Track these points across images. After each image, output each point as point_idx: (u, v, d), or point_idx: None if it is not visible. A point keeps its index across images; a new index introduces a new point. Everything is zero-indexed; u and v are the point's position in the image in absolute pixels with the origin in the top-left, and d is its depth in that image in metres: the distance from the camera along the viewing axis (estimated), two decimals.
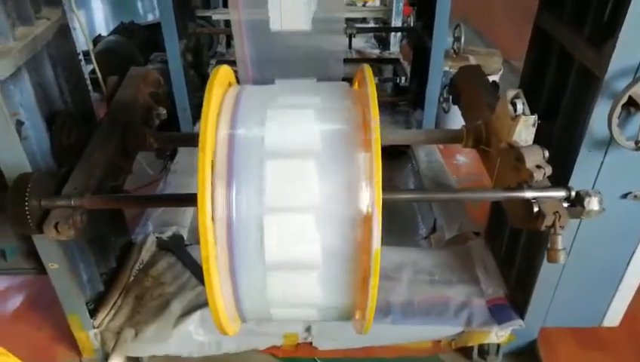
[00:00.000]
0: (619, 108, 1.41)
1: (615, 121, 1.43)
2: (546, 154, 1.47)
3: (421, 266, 2.23)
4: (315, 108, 1.19)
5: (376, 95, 1.17)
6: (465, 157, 3.44)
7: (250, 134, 1.17)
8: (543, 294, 1.92)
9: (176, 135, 2.42)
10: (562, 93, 1.71)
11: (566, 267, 1.84)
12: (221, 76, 1.27)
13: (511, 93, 1.59)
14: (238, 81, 1.50)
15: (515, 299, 2.06)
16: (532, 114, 1.53)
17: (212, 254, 1.09)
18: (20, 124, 1.59)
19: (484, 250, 2.31)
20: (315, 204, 1.12)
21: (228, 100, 1.24)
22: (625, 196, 1.66)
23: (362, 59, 4.10)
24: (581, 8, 1.59)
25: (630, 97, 1.40)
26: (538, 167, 1.45)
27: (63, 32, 1.82)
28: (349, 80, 1.49)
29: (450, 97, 2.19)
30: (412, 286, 2.13)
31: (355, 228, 1.12)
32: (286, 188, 1.13)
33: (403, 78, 3.49)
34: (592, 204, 1.42)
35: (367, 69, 1.26)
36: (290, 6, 1.31)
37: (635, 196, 1.66)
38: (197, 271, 2.20)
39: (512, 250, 2.11)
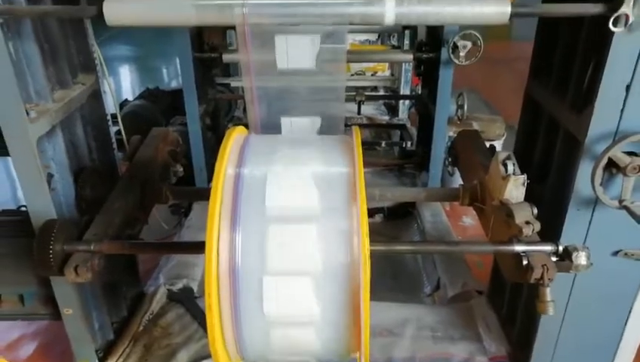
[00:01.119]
0: (600, 170, 1.52)
1: (598, 181, 1.53)
2: (535, 211, 1.55)
3: (424, 323, 2.26)
4: (314, 172, 1.31)
5: (362, 155, 1.28)
6: (471, 219, 3.51)
7: (254, 194, 1.28)
8: (543, 353, 1.94)
9: (190, 189, 2.57)
10: (551, 156, 1.82)
11: (564, 326, 1.87)
12: (235, 135, 1.42)
13: (502, 155, 1.70)
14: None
15: (517, 358, 2.07)
16: (522, 174, 1.64)
17: (215, 303, 1.19)
18: (50, 176, 1.75)
19: (487, 307, 2.34)
20: (312, 268, 1.21)
21: (236, 154, 1.38)
22: (616, 253, 1.72)
23: (371, 124, 4.30)
24: (564, 77, 1.74)
25: (610, 159, 1.51)
26: (527, 223, 1.53)
27: (95, 96, 2.02)
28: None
29: (450, 159, 2.31)
30: (415, 342, 2.16)
31: (350, 282, 1.20)
32: (285, 250, 1.22)
33: (409, 143, 3.66)
34: (580, 258, 1.49)
35: (356, 131, 1.39)
36: (295, 45, 1.48)
37: (626, 254, 1.72)
38: (204, 322, 2.25)
39: (514, 308, 2.14)
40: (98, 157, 2.13)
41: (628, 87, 1.45)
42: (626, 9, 1.32)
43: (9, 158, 1.65)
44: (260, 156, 1.37)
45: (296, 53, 1.51)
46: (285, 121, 1.65)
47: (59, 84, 1.83)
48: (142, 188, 1.91)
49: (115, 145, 2.34)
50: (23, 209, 1.87)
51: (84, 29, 1.94)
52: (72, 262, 1.49)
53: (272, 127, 1.67)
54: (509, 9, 1.40)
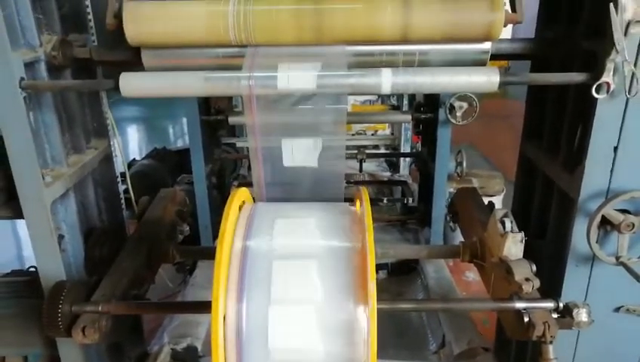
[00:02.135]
0: (595, 227, 1.57)
1: (594, 238, 1.58)
2: (534, 268, 1.59)
3: None
4: (318, 243, 1.36)
5: (370, 212, 1.34)
6: (474, 274, 3.51)
7: (261, 253, 1.33)
8: None
9: (196, 248, 2.61)
10: (548, 213, 1.87)
11: None
12: (239, 197, 1.48)
13: (500, 213, 1.76)
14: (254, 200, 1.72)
15: None
16: (520, 231, 1.69)
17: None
18: (61, 237, 1.81)
19: None
20: (317, 343, 1.24)
21: (243, 218, 1.44)
22: (617, 310, 1.73)
23: (373, 181, 4.38)
24: (555, 139, 1.82)
25: (604, 217, 1.56)
26: (527, 279, 1.56)
27: (107, 159, 2.11)
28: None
29: (450, 216, 2.36)
30: None
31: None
32: (290, 328, 1.26)
33: (411, 199, 3.73)
34: (581, 315, 1.51)
35: (364, 191, 1.45)
36: (300, 147, 1.57)
37: (628, 310, 1.74)
38: None
39: None
40: (107, 217, 2.19)
41: (615, 148, 1.52)
42: (606, 78, 1.42)
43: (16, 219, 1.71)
44: (263, 228, 1.42)
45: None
46: (286, 144, 1.70)
47: (73, 149, 1.92)
48: (149, 248, 1.96)
49: (123, 205, 2.41)
50: (32, 269, 1.92)
51: (100, 97, 2.06)
52: (80, 323, 1.52)
53: (276, 184, 1.74)
54: (497, 78, 1.50)
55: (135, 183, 3.38)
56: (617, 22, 1.37)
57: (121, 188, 2.33)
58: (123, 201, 2.47)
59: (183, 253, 2.06)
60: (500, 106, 6.86)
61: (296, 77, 1.47)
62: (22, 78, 1.54)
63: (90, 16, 2.04)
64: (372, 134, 4.70)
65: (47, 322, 1.53)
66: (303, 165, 1.58)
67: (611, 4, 1.36)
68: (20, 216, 1.70)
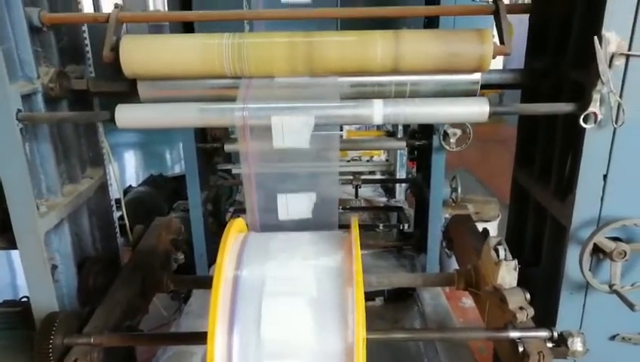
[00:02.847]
0: (587, 255, 1.57)
1: (586, 266, 1.58)
2: (527, 296, 1.59)
3: None
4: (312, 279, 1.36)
5: (359, 249, 1.34)
6: (470, 301, 3.48)
7: (253, 287, 1.32)
8: None
9: (191, 278, 2.59)
10: (541, 241, 1.88)
11: None
12: (234, 228, 1.49)
13: (493, 241, 1.76)
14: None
15: None
16: (513, 259, 1.69)
17: None
18: (54, 268, 1.80)
19: None
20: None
21: (235, 251, 1.44)
22: (613, 338, 1.72)
23: (369, 207, 4.39)
24: (546, 167, 1.84)
25: (596, 245, 1.57)
26: (521, 308, 1.56)
27: (102, 189, 2.12)
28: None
29: (445, 243, 2.37)
30: None
31: None
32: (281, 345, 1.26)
33: (406, 225, 3.72)
34: (576, 344, 1.50)
35: (355, 221, 1.46)
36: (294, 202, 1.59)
37: (623, 338, 1.73)
38: None
39: None
40: (101, 246, 2.18)
41: (605, 177, 1.54)
42: (594, 108, 1.44)
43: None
44: (256, 258, 1.42)
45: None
46: (281, 198, 1.72)
47: (69, 179, 1.93)
48: (143, 277, 1.95)
49: (117, 232, 2.41)
50: (24, 300, 1.90)
51: (96, 126, 2.08)
52: (72, 356, 1.51)
53: (269, 210, 1.74)
54: (487, 108, 1.53)
55: (131, 210, 3.39)
56: (602, 54, 1.40)
57: (117, 214, 2.34)
58: (118, 229, 2.47)
59: (178, 283, 2.05)
60: (494, 131, 6.92)
61: (290, 133, 1.50)
62: (19, 110, 1.56)
63: (88, 48, 2.08)
64: (367, 160, 4.72)
65: (39, 354, 1.51)
66: (298, 218, 1.60)
67: (595, 38, 1.40)
68: (14, 246, 1.70)
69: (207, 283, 2.02)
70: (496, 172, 6.51)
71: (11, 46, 1.59)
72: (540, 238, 1.90)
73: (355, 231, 1.39)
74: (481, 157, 6.85)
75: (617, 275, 1.58)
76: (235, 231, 1.51)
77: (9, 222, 1.66)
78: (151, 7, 12.81)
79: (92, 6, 12.08)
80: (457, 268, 2.23)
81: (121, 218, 3.38)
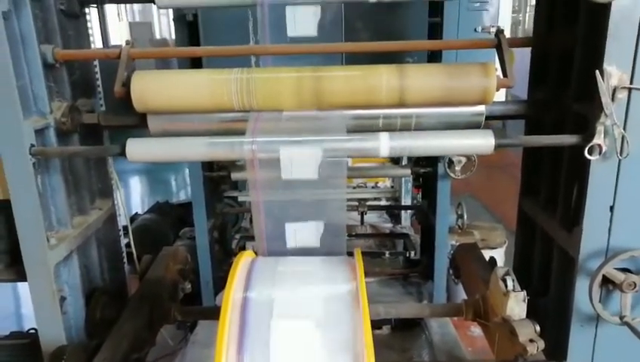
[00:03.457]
0: (597, 287, 1.57)
1: (596, 298, 1.58)
2: (537, 328, 1.58)
3: None
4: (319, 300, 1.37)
5: (364, 285, 1.34)
6: (479, 329, 3.44)
7: (260, 315, 1.33)
8: None
9: (198, 309, 2.59)
10: (549, 271, 1.87)
11: None
12: (242, 264, 1.49)
13: (501, 271, 1.76)
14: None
15: None
16: (522, 290, 1.68)
17: None
18: (62, 299, 1.80)
19: None
20: None
21: (242, 279, 1.45)
22: None
23: (374, 234, 4.39)
24: (552, 196, 1.84)
25: (605, 276, 1.56)
26: (531, 341, 1.55)
27: (111, 219, 2.14)
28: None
29: (452, 272, 2.36)
30: None
31: None
32: None
33: (412, 252, 3.71)
34: None
35: (358, 254, 1.46)
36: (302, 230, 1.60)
37: None
38: None
39: None
40: (109, 277, 2.19)
41: (612, 208, 1.54)
42: (598, 140, 1.46)
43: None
44: (264, 282, 1.43)
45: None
46: (290, 227, 1.73)
47: (78, 210, 1.95)
48: (151, 309, 1.95)
49: (125, 260, 2.41)
50: (32, 331, 1.90)
51: (105, 159, 2.11)
52: None
53: (277, 237, 1.75)
54: (493, 141, 1.54)
55: (137, 238, 3.39)
56: (604, 87, 1.43)
57: (124, 241, 2.35)
58: (125, 257, 2.47)
59: (185, 314, 2.05)
60: (498, 157, 6.91)
61: (299, 164, 1.52)
62: (32, 145, 1.59)
63: (99, 81, 2.13)
64: (372, 187, 4.73)
65: None
66: (306, 246, 1.62)
67: (597, 71, 1.42)
68: (23, 278, 1.71)
69: (214, 313, 2.02)
70: (501, 197, 6.49)
71: (26, 82, 1.63)
72: (548, 268, 1.89)
73: (359, 265, 1.40)
74: (485, 182, 6.85)
75: (628, 307, 1.57)
76: (242, 266, 1.52)
77: (18, 253, 1.68)
78: (157, 36, 13.07)
79: (100, 35, 12.34)
80: (465, 296, 2.22)
81: (127, 245, 3.40)
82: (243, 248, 3.87)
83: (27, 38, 1.60)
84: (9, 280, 1.75)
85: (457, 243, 3.48)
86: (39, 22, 1.69)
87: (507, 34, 1.75)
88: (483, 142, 1.54)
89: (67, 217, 1.83)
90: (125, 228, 3.26)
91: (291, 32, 1.80)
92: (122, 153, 1.58)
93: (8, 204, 1.62)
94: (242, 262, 1.52)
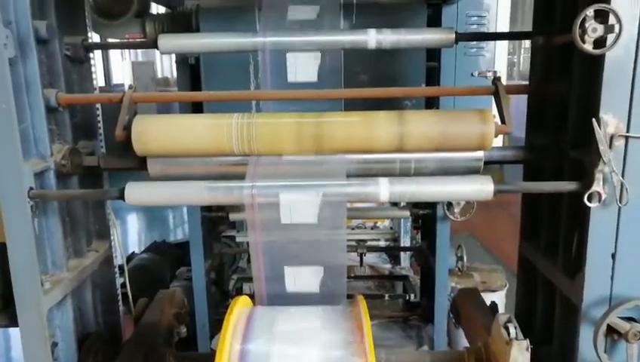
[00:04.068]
0: (601, 336, 1.53)
1: (601, 348, 1.54)
2: None
3: None
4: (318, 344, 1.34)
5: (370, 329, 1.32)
6: None
7: None
8: None
9: (194, 355, 2.53)
10: (552, 318, 1.84)
11: None
12: (238, 309, 1.47)
13: (503, 318, 1.73)
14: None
15: None
16: (525, 338, 1.65)
17: None
18: (54, 345, 1.76)
19: None
20: None
21: (241, 330, 1.42)
22: None
23: (374, 276, 4.35)
24: (552, 242, 1.83)
25: (609, 325, 1.53)
26: None
27: (107, 261, 2.12)
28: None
29: (453, 317, 2.32)
30: None
31: None
32: None
33: (412, 295, 3.66)
34: None
35: (362, 302, 1.44)
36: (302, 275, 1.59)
37: None
38: None
39: None
40: (103, 320, 2.14)
41: (613, 256, 1.53)
42: (597, 187, 1.46)
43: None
44: (262, 333, 1.40)
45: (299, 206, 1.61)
46: (289, 271, 1.71)
47: (74, 252, 1.93)
48: (145, 355, 1.90)
49: (120, 302, 2.37)
50: None
51: (104, 200, 2.11)
52: None
53: (276, 279, 1.72)
54: (492, 187, 1.55)
55: (134, 278, 3.34)
56: (601, 135, 1.44)
57: (119, 281, 2.31)
58: (120, 298, 2.42)
59: (180, 360, 1.99)
60: (497, 195, 6.95)
61: (298, 209, 1.52)
62: (30, 188, 1.59)
63: (100, 123, 2.14)
64: (372, 227, 4.71)
65: None
66: (305, 291, 1.60)
67: (594, 120, 1.44)
68: (15, 324, 1.67)
69: (210, 360, 1.97)
70: (500, 236, 6.47)
71: (28, 126, 1.64)
72: (551, 315, 1.86)
73: (365, 317, 1.37)
74: (484, 221, 6.81)
75: (634, 357, 1.53)
76: (238, 312, 1.49)
77: (11, 297, 1.65)
78: (159, 75, 13.30)
79: (103, 74, 12.55)
80: (466, 340, 2.18)
81: (123, 285, 3.34)
82: (240, 290, 3.82)
83: (32, 83, 1.63)
84: (0, 325, 1.71)
85: (457, 286, 3.44)
86: (44, 67, 1.72)
87: (503, 75, 1.78)
88: (482, 188, 1.54)
89: (63, 260, 1.80)
90: (121, 267, 3.22)
91: (292, 77, 1.83)
92: (121, 196, 1.58)
93: (3, 246, 1.60)
94: (236, 312, 1.49)
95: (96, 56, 2.15)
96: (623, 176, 1.47)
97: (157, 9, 2.94)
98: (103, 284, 2.12)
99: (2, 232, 1.60)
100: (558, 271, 1.76)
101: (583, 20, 1.38)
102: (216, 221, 3.36)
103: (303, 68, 1.82)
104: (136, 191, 1.58)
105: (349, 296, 1.73)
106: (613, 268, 1.53)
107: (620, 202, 1.47)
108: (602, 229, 1.51)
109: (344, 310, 1.57)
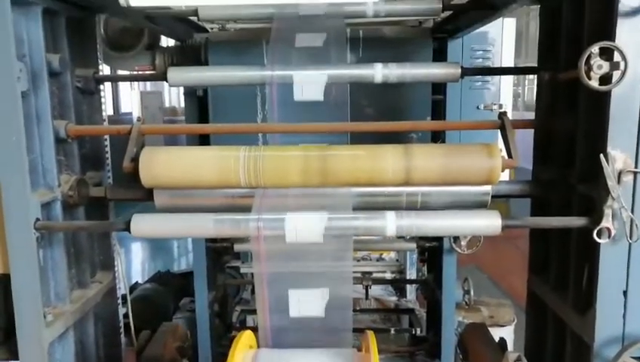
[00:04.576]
0: None
1: None
2: None
3: None
4: None
5: None
6: None
7: None
8: None
9: None
10: (563, 357, 1.79)
11: None
12: (242, 345, 1.44)
13: (512, 356, 1.69)
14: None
15: None
16: None
17: None
18: None
19: None
20: None
21: None
22: None
23: (379, 309, 4.28)
24: (562, 277, 1.80)
25: None
26: None
27: (110, 293, 2.10)
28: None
29: (461, 353, 2.26)
30: None
31: None
32: None
33: (419, 329, 3.59)
34: None
35: (372, 337, 1.41)
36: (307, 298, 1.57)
37: None
38: None
39: None
40: (105, 353, 2.11)
41: (625, 293, 1.50)
42: (606, 223, 1.44)
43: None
44: None
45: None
46: (293, 295, 1.67)
47: (78, 284, 1.91)
48: None
49: (122, 333, 2.33)
50: None
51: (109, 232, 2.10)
52: None
53: (280, 310, 1.69)
54: (499, 222, 1.53)
55: (137, 308, 3.30)
56: (609, 171, 1.43)
57: (122, 311, 2.28)
58: (122, 329, 2.38)
59: None
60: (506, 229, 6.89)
61: (304, 229, 1.51)
62: (37, 219, 1.59)
63: (108, 154, 2.16)
64: (377, 259, 4.66)
65: None
66: (310, 316, 1.57)
67: (602, 155, 1.43)
68: (15, 357, 1.65)
69: None
70: (507, 269, 6.39)
71: (37, 157, 1.66)
72: (562, 353, 1.81)
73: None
74: (491, 253, 6.74)
75: None
76: (242, 346, 1.46)
77: (12, 330, 1.63)
78: (167, 104, 13.49)
79: (112, 103, 12.75)
80: None
81: (125, 316, 3.30)
82: (244, 322, 3.77)
83: (42, 114, 1.65)
84: (0, 359, 1.68)
85: (465, 320, 3.37)
86: (55, 98, 1.75)
87: (509, 107, 1.78)
88: (490, 223, 1.53)
89: (66, 292, 1.79)
90: (124, 297, 3.19)
91: (298, 96, 1.80)
92: (127, 228, 1.57)
93: (6, 278, 1.59)
94: (239, 357, 1.46)
95: (106, 86, 2.17)
96: (632, 211, 1.46)
97: (167, 42, 3.00)
98: (105, 316, 2.09)
99: (6, 263, 1.60)
100: (568, 307, 1.72)
101: (589, 57, 1.39)
102: (220, 251, 3.34)
103: (309, 86, 1.81)
104: (142, 224, 1.58)
105: (355, 330, 1.70)
106: (625, 306, 1.50)
107: (630, 238, 1.45)
108: (613, 265, 1.49)
109: (350, 353, 1.53)
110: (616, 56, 1.38)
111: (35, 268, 1.59)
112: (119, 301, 2.25)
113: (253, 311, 3.54)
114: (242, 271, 3.86)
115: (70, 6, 1.78)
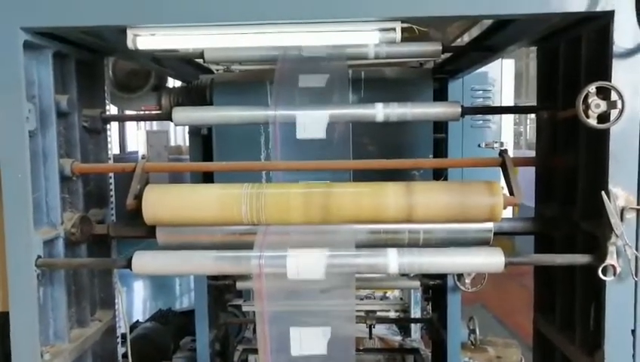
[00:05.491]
0: None
1: None
2: None
3: None
4: None
5: None
6: None
7: None
8: None
9: None
10: None
11: None
12: None
13: None
14: None
15: None
16: None
17: None
18: None
19: None
20: None
21: None
22: None
23: (383, 349, 4.19)
24: (568, 316, 1.77)
25: None
26: None
27: (110, 332, 2.07)
28: None
29: None
30: None
31: None
32: None
33: None
34: None
35: None
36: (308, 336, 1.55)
37: None
38: None
39: None
40: None
41: (633, 332, 1.47)
42: (611, 260, 1.43)
43: None
44: None
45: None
46: (295, 332, 1.65)
47: (77, 322, 1.89)
48: None
49: None
50: None
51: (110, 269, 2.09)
52: None
53: (282, 349, 1.66)
54: (502, 259, 1.52)
55: (137, 347, 3.25)
56: (612, 208, 1.43)
57: (121, 351, 2.24)
58: None
59: None
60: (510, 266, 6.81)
61: (306, 266, 1.51)
62: (38, 256, 1.59)
63: (112, 192, 2.17)
64: (381, 298, 4.60)
65: None
66: (311, 354, 1.54)
67: (603, 193, 1.44)
68: None
69: None
70: (512, 308, 6.27)
71: (41, 194, 1.67)
72: None
73: None
74: (496, 291, 6.63)
75: None
76: None
77: None
78: (172, 143, 13.64)
79: (118, 142, 12.91)
80: None
81: (124, 355, 3.24)
82: None
83: (49, 153, 1.67)
84: None
85: (471, 361, 3.29)
86: (62, 137, 1.78)
87: (510, 145, 1.80)
88: (492, 260, 1.52)
89: (65, 330, 1.77)
90: (124, 336, 3.14)
91: (301, 134, 1.82)
92: (128, 266, 1.57)
93: (5, 316, 1.58)
94: None
95: (113, 125, 2.21)
96: (637, 248, 1.45)
97: (173, 83, 3.07)
98: (104, 355, 2.05)
99: (6, 301, 1.59)
100: (575, 348, 1.69)
101: (586, 96, 1.41)
102: (222, 289, 3.31)
103: (312, 125, 1.83)
104: (144, 261, 1.58)
105: None
106: (634, 346, 1.47)
107: (636, 276, 1.44)
108: (619, 304, 1.47)
109: None
110: (613, 95, 1.40)
111: (35, 306, 1.58)
112: (119, 340, 2.22)
113: (255, 351, 3.47)
114: (244, 309, 3.81)
115: (80, 49, 1.84)
